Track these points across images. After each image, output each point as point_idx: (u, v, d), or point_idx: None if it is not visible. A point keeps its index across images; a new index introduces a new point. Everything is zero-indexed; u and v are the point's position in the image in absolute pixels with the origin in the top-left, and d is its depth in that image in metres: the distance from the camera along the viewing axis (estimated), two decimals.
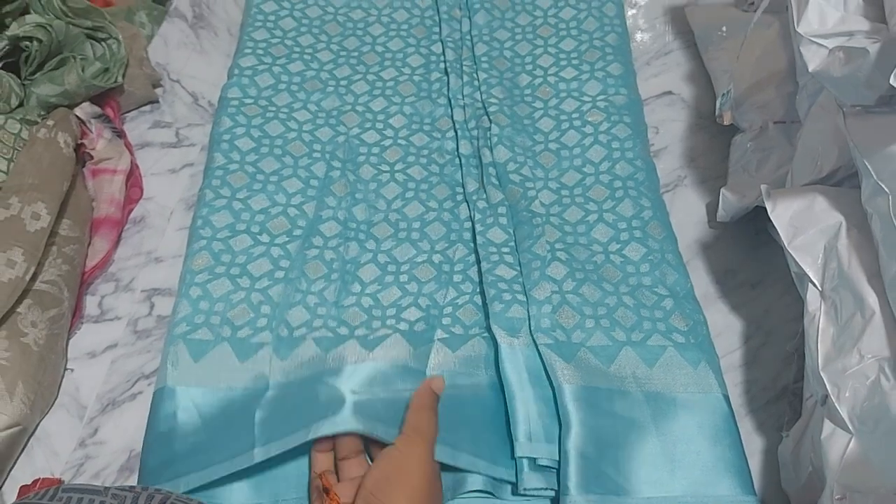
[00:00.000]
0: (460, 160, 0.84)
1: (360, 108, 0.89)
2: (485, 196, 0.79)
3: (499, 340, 0.66)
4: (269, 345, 0.68)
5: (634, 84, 0.90)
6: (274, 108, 0.87)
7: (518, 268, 0.73)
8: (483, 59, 0.92)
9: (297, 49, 0.94)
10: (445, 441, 0.59)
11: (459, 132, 0.86)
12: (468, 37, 0.95)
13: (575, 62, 0.93)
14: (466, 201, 0.81)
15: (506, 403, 0.64)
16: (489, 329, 0.69)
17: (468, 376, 0.67)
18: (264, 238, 0.76)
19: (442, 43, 0.95)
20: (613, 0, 0.98)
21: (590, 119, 0.86)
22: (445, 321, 0.70)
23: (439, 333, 0.69)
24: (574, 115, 0.87)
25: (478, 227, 0.76)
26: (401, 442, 0.57)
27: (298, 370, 0.67)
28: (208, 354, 0.68)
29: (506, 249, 0.74)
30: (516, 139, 0.84)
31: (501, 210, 0.77)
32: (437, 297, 0.73)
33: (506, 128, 0.84)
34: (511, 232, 0.76)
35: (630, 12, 1.02)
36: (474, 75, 0.91)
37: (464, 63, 0.92)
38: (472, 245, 0.77)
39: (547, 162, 0.83)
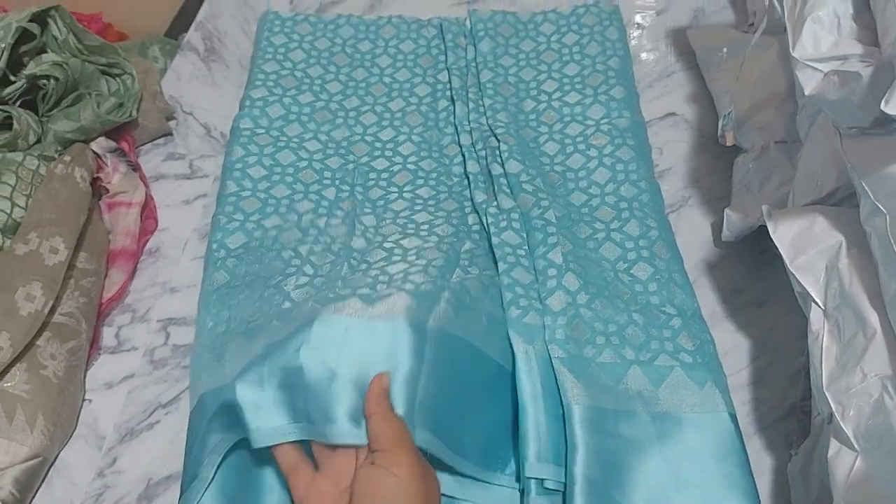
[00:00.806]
0: (468, 179, 0.86)
1: (369, 138, 0.91)
2: (496, 204, 0.81)
3: (515, 347, 0.67)
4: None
5: (637, 107, 0.92)
6: (285, 139, 0.89)
7: (533, 272, 0.74)
8: (488, 85, 0.94)
9: (307, 80, 0.96)
10: (428, 426, 0.59)
11: (467, 154, 0.88)
12: (473, 64, 0.97)
13: (578, 86, 0.94)
14: (476, 211, 0.82)
15: (516, 408, 0.65)
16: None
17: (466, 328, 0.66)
18: (277, 247, 0.79)
19: (448, 71, 0.97)
20: (615, 24, 1.00)
21: (594, 142, 0.87)
22: (453, 287, 0.69)
23: (446, 295, 0.67)
24: (578, 139, 0.88)
25: (492, 230, 0.78)
26: (386, 461, 0.53)
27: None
28: (229, 350, 0.68)
29: (521, 252, 0.76)
30: (526, 155, 0.85)
31: (514, 216, 0.79)
32: (446, 271, 0.72)
33: (514, 146, 0.85)
34: (524, 237, 0.77)
35: (633, 34, 1.04)
36: (480, 102, 0.92)
37: (469, 90, 0.94)
38: (480, 244, 0.78)
39: (553, 183, 0.85)
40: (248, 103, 0.92)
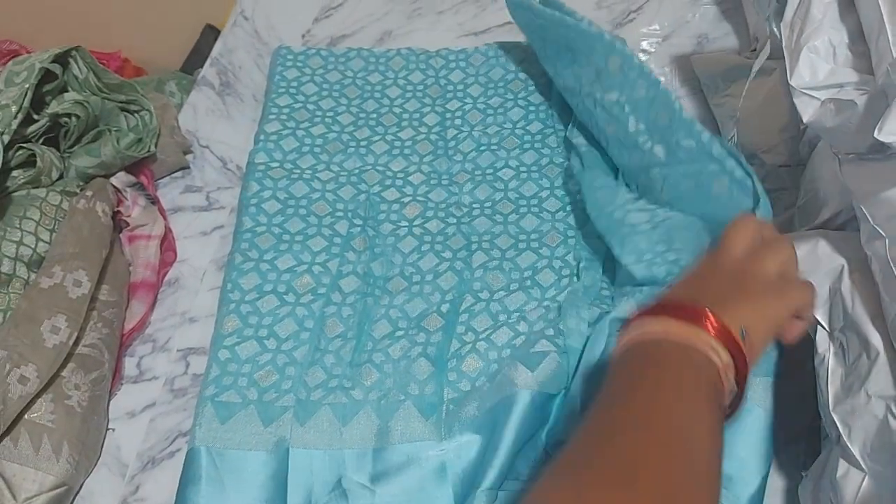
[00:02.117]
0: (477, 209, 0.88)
1: (380, 168, 0.92)
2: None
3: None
4: (292, 408, 0.71)
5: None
6: (298, 171, 0.91)
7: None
8: (499, 109, 0.96)
9: (319, 113, 0.98)
10: None
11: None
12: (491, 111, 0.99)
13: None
14: (481, 250, 0.84)
15: None
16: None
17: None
18: (290, 298, 0.79)
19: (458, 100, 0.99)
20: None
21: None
22: (451, 377, 0.72)
23: (448, 393, 0.71)
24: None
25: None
26: None
27: (316, 441, 0.69)
28: (234, 417, 0.71)
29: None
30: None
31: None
32: (443, 348, 0.75)
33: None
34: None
35: (641, 60, 1.05)
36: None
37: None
38: (478, 295, 0.80)
39: None
40: (262, 137, 0.94)
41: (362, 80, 1.02)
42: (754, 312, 0.53)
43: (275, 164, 0.91)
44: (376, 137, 0.96)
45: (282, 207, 0.87)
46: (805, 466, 0.67)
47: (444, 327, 0.77)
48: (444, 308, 0.79)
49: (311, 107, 0.98)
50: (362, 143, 0.95)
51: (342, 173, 0.91)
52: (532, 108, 0.98)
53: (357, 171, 0.92)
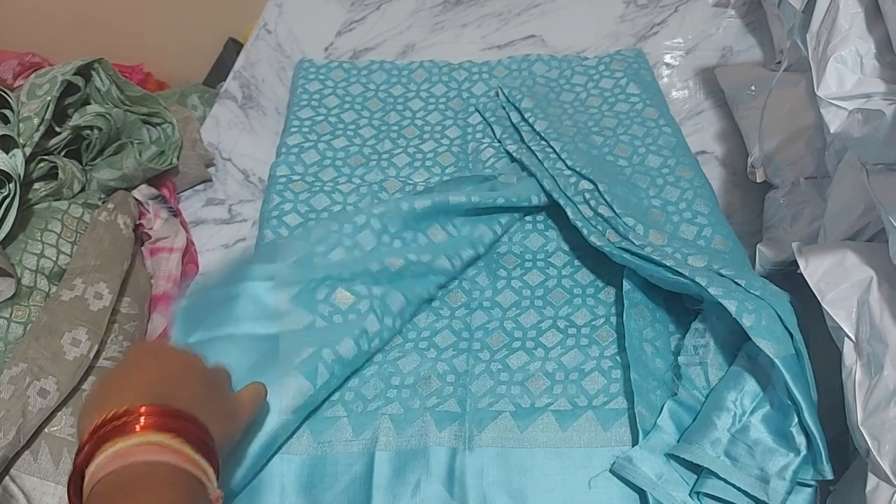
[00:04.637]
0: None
1: (401, 178, 0.92)
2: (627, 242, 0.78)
3: (771, 353, 0.63)
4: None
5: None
6: (320, 183, 0.91)
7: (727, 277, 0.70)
8: (549, 131, 0.92)
9: (341, 126, 0.98)
10: None
11: (562, 201, 0.84)
12: (522, 123, 0.95)
13: (638, 120, 0.94)
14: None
15: None
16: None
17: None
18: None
19: (500, 141, 0.95)
20: (644, 68, 1.01)
21: (680, 174, 0.87)
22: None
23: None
24: (665, 170, 0.88)
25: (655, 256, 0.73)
26: None
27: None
28: None
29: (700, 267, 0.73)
30: (619, 190, 0.84)
31: (648, 248, 0.75)
32: (456, 363, 0.74)
33: (607, 184, 0.83)
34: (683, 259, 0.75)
35: (664, 74, 1.05)
36: (547, 150, 0.90)
37: (530, 144, 0.91)
38: (490, 311, 0.79)
39: (657, 218, 0.83)
40: (284, 150, 0.95)
41: (384, 93, 1.02)
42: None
43: (296, 177, 0.92)
44: (398, 150, 0.96)
45: (302, 220, 0.87)
46: (833, 481, 0.65)
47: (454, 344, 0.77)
48: (455, 325, 0.78)
49: (332, 119, 0.99)
50: (384, 156, 0.95)
51: (363, 185, 0.91)
52: (581, 124, 0.96)
53: (378, 182, 0.92)
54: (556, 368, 0.72)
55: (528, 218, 0.88)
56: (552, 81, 1.02)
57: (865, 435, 0.56)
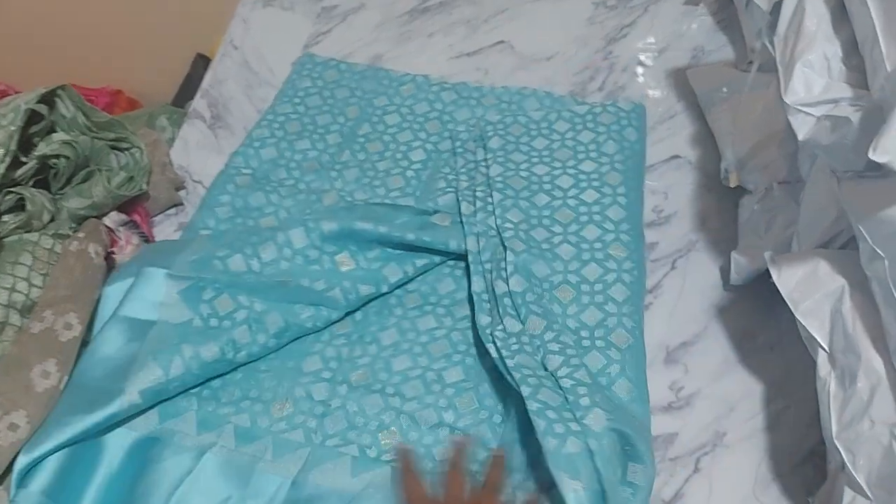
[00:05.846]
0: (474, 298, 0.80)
1: (342, 194, 0.92)
2: (501, 327, 0.75)
3: (561, 487, 0.61)
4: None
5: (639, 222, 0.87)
6: (264, 181, 0.94)
7: (560, 391, 0.68)
8: (497, 179, 0.88)
9: (311, 127, 0.99)
10: None
11: (472, 267, 0.82)
12: (483, 163, 0.92)
13: (596, 184, 0.88)
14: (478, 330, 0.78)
15: None
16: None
17: None
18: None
19: (456, 174, 0.92)
20: (634, 125, 0.94)
21: (612, 253, 0.82)
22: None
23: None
24: (596, 245, 0.83)
25: (504, 353, 0.72)
26: None
27: None
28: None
29: (542, 373, 0.70)
30: (533, 265, 0.80)
31: (524, 339, 0.73)
32: (314, 390, 0.76)
33: (521, 254, 0.80)
34: (539, 360, 0.72)
35: (639, 73, 1.04)
36: (488, 199, 0.86)
37: (477, 189, 0.88)
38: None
39: (565, 296, 0.78)
40: (247, 141, 0.97)
41: (366, 102, 1.02)
42: None
43: (247, 171, 0.94)
44: (353, 164, 0.95)
45: (233, 215, 0.90)
46: (811, 492, 0.65)
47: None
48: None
49: (306, 120, 0.99)
50: (336, 167, 0.95)
51: (302, 193, 0.92)
52: (535, 178, 0.90)
53: (318, 193, 0.92)
54: (409, 425, 0.73)
55: (449, 262, 0.86)
56: (533, 123, 0.96)
57: (840, 448, 0.56)
